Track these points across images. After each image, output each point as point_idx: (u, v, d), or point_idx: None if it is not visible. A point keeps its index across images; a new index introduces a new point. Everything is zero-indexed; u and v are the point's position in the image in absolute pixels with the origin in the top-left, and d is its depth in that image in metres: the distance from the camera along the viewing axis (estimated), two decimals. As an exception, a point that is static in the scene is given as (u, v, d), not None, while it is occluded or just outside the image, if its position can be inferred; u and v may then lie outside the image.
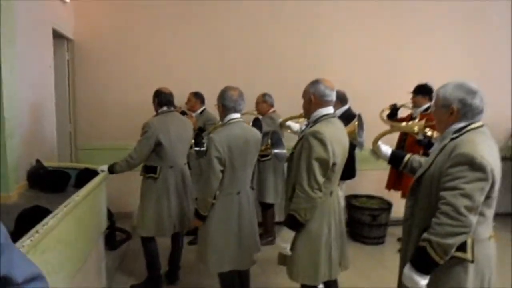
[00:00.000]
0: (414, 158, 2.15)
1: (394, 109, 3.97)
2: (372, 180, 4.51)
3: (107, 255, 3.19)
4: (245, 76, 4.44)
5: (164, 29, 4.43)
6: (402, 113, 4.07)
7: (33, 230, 1.57)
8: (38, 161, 3.00)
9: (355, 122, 2.58)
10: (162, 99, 3.03)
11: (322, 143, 2.05)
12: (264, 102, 4.03)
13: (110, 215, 3.33)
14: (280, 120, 3.49)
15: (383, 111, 3.92)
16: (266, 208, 4.00)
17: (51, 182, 2.79)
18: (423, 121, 2.46)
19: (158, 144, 2.90)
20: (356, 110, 3.91)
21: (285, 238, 2.16)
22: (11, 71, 2.54)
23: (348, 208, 4.39)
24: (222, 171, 2.41)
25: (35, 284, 0.65)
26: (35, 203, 2.12)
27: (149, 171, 3.00)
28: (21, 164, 2.73)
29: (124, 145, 4.11)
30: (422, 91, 3.68)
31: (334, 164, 2.12)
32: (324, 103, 2.21)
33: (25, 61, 2.83)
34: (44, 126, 3.28)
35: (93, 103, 4.37)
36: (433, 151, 1.83)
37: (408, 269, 1.65)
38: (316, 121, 2.21)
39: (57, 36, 3.79)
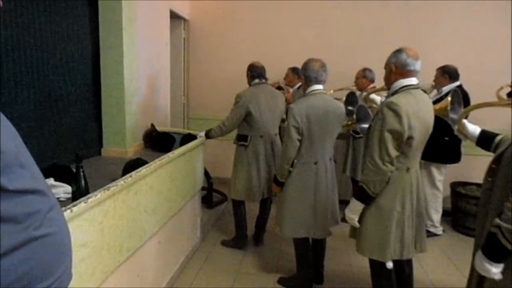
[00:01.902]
0: (508, 138, 1.89)
1: (517, 87, 3.42)
2: (484, 167, 4.01)
3: (204, 212, 3.61)
4: (345, 52, 4.40)
5: (267, 8, 4.62)
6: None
7: (127, 175, 1.93)
8: (152, 125, 3.53)
9: (448, 98, 2.37)
10: (254, 72, 3.21)
11: (397, 114, 1.95)
12: (363, 77, 3.90)
13: (207, 177, 3.72)
14: (365, 94, 3.35)
15: (501, 88, 3.42)
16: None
17: (160, 143, 3.26)
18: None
19: (248, 114, 3.11)
20: (471, 88, 3.55)
21: (353, 209, 2.16)
22: (131, 47, 3.02)
23: (452, 196, 4.02)
24: (300, 140, 2.49)
25: (31, 196, 0.73)
26: (143, 158, 2.55)
27: (240, 139, 3.24)
28: (138, 126, 3.25)
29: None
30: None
31: (410, 138, 1.99)
32: (405, 73, 2.08)
33: (144, 38, 3.31)
34: (159, 96, 3.80)
35: (204, 77, 4.84)
36: None
37: (479, 257, 1.52)
38: (396, 92, 2.10)
39: (175, 16, 4.28)
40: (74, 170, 1.81)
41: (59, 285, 0.80)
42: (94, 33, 2.86)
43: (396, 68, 2.09)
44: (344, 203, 2.92)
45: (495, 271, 1.45)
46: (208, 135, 3.22)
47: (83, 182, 1.68)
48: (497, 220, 1.44)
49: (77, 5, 2.68)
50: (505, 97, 3.47)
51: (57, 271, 0.79)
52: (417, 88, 2.11)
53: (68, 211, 1.40)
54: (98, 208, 1.63)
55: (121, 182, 1.83)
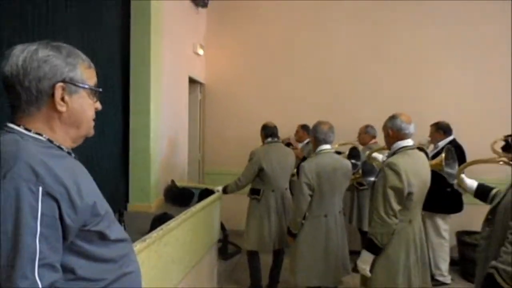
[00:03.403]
0: (502, 192, 2.13)
1: (510, 140, 3.69)
2: (488, 216, 4.18)
3: (220, 263, 3.78)
4: (348, 109, 4.79)
5: (276, 74, 5.13)
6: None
7: (158, 228, 2.18)
8: (172, 181, 3.81)
9: (442, 155, 2.64)
10: (267, 131, 3.55)
11: (396, 173, 2.22)
12: (366, 133, 4.23)
13: (223, 229, 3.93)
14: (367, 152, 3.63)
15: (495, 142, 3.69)
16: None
17: (180, 198, 3.52)
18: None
19: (261, 170, 3.39)
20: (463, 141, 3.83)
21: (364, 260, 2.35)
22: (157, 111, 3.39)
23: (459, 245, 4.15)
24: (311, 196, 2.74)
25: (122, 243, 1.05)
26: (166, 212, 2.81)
27: (253, 193, 3.51)
28: (160, 183, 3.54)
29: (241, 171, 4.81)
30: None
31: (410, 193, 2.25)
32: (401, 136, 2.38)
33: (167, 103, 3.70)
34: (178, 154, 4.13)
35: (218, 135, 5.24)
36: None
37: None
38: (395, 153, 2.38)
39: (192, 81, 4.74)
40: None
41: None
42: (125, 99, 3.25)
43: (393, 132, 2.40)
44: (352, 253, 3.11)
45: None
46: (225, 191, 3.50)
47: (124, 234, 1.94)
48: (494, 262, 1.64)
49: (112, 75, 3.09)
50: (499, 150, 3.73)
51: None
52: (413, 148, 2.39)
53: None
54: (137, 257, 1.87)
55: (154, 234, 2.08)
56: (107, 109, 2.98)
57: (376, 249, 2.30)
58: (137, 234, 2.34)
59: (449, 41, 4.73)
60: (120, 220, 1.96)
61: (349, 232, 3.98)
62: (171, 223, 2.31)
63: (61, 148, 0.99)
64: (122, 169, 3.25)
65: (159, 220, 2.52)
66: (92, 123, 1.09)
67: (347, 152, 3.63)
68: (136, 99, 3.25)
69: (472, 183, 2.32)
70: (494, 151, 3.69)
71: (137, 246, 1.85)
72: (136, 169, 3.27)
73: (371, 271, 2.35)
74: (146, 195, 3.29)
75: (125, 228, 1.96)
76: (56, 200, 0.86)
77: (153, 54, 3.26)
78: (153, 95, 3.27)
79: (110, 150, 3.07)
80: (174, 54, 3.92)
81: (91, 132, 1.09)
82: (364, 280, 2.47)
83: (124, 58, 3.24)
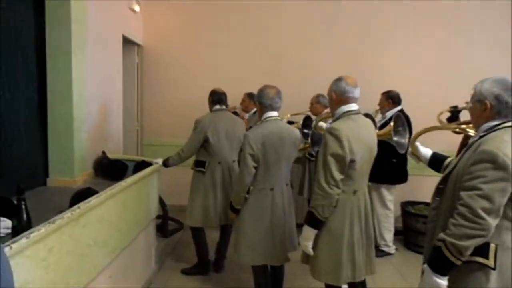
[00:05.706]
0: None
1: (455, 112, 3.70)
2: (432, 187, 4.24)
3: (159, 242, 3.48)
4: (300, 78, 4.57)
5: (222, 36, 4.74)
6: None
7: (75, 206, 1.82)
8: (103, 152, 3.39)
9: (391, 124, 2.50)
10: (215, 98, 3.23)
11: (337, 139, 2.01)
12: (317, 103, 4.04)
13: (163, 205, 3.61)
14: (314, 122, 3.46)
15: (441, 113, 3.68)
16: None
17: (112, 171, 3.13)
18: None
19: (206, 140, 3.10)
20: (412, 112, 3.77)
21: (306, 236, 2.15)
22: (81, 74, 2.92)
23: (403, 215, 4.19)
24: (256, 168, 2.48)
25: None
26: (94, 187, 2.43)
27: (198, 165, 3.21)
28: (87, 154, 3.11)
29: (184, 142, 4.46)
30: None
31: (352, 161, 2.05)
32: (345, 100, 2.16)
33: (95, 63, 3.23)
34: (111, 122, 3.68)
35: (158, 103, 4.79)
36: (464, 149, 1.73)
37: (427, 272, 1.58)
38: (338, 118, 2.18)
39: (128, 42, 4.23)
40: (15, 202, 1.69)
41: None
42: (41, 57, 2.75)
43: (336, 95, 2.18)
44: (300, 226, 2.94)
45: (442, 283, 1.52)
46: (166, 164, 3.17)
47: (25, 215, 1.57)
48: (442, 235, 1.53)
49: (22, 27, 2.57)
50: (445, 121, 3.74)
51: None
52: (358, 113, 2.19)
53: (7, 248, 1.30)
54: (42, 244, 1.52)
55: (68, 214, 1.72)
56: (15, 69, 2.50)
57: (317, 223, 2.10)
58: (56, 213, 1.98)
59: (402, 9, 4.62)
60: (20, 199, 1.58)
61: (298, 204, 3.86)
62: (92, 201, 1.96)
63: None
64: (39, 138, 2.79)
65: (80, 196, 2.15)
66: None
67: (300, 122, 3.41)
68: (54, 55, 2.76)
69: (426, 152, 2.18)
70: (440, 122, 3.69)
71: (42, 230, 1.51)
72: (56, 138, 2.82)
73: (313, 247, 2.16)
74: (69, 168, 2.87)
75: (26, 209, 1.59)
76: None
77: (74, 6, 2.76)
78: (75, 54, 2.80)
79: (22, 115, 2.59)
80: (103, 8, 3.41)
81: None
82: (305, 257, 2.28)
83: (38, 9, 2.72)
